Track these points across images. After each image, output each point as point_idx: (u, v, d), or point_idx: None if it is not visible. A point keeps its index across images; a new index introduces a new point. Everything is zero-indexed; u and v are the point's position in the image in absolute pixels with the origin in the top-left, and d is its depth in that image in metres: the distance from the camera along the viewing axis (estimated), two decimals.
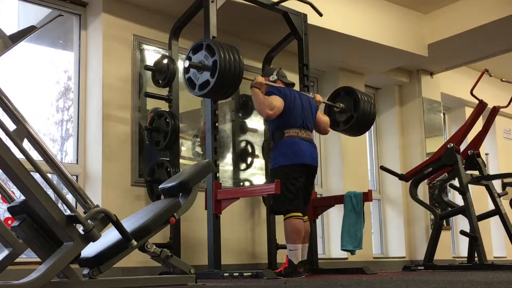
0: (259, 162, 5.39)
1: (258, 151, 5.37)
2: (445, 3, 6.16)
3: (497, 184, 6.47)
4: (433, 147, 6.49)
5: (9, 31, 2.29)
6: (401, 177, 5.78)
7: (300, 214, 3.97)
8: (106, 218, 2.38)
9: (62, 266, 2.27)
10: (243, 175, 5.32)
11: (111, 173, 4.40)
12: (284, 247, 4.26)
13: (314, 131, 4.41)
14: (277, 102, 4.02)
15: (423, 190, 6.46)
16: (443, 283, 2.67)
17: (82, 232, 2.31)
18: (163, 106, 4.62)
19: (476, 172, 5.68)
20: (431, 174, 5.65)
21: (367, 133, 5.49)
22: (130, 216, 2.95)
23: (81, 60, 4.65)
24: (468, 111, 7.25)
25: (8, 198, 2.77)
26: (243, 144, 5.37)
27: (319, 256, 4.87)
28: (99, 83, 4.50)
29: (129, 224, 2.61)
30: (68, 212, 2.33)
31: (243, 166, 5.34)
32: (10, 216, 2.59)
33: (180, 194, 2.95)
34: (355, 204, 4.38)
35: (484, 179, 5.62)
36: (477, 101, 5.64)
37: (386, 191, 6.96)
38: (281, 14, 4.86)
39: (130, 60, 4.67)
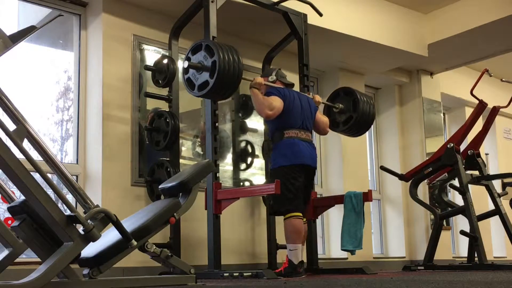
0: (259, 162, 5.39)
1: (258, 151, 5.37)
2: (445, 3, 6.16)
3: (497, 184, 6.47)
4: (433, 147, 6.48)
5: (9, 31, 2.29)
6: (401, 177, 5.78)
7: (300, 214, 3.97)
8: (106, 218, 2.38)
9: (62, 266, 2.27)
10: (243, 175, 5.32)
11: (111, 173, 4.40)
12: (284, 247, 4.27)
13: (313, 132, 4.41)
14: (277, 102, 4.01)
15: (423, 190, 6.45)
16: (443, 283, 2.67)
17: (82, 232, 2.31)
18: (163, 106, 4.62)
19: (476, 172, 5.68)
20: (431, 174, 5.65)
21: (367, 133, 5.49)
22: (130, 216, 2.95)
23: (81, 60, 4.65)
24: (468, 111, 7.25)
25: (8, 198, 2.77)
26: (243, 144, 5.37)
27: (319, 256, 4.87)
28: (99, 83, 4.50)
29: (129, 224, 2.61)
30: (68, 212, 2.33)
31: (243, 166, 5.34)
32: (10, 216, 2.59)
33: (180, 194, 2.95)
34: (355, 204, 4.37)
35: (484, 179, 5.62)
36: (477, 101, 5.64)
37: (386, 191, 6.96)
38: (281, 14, 4.86)
39: (130, 60, 4.67)
